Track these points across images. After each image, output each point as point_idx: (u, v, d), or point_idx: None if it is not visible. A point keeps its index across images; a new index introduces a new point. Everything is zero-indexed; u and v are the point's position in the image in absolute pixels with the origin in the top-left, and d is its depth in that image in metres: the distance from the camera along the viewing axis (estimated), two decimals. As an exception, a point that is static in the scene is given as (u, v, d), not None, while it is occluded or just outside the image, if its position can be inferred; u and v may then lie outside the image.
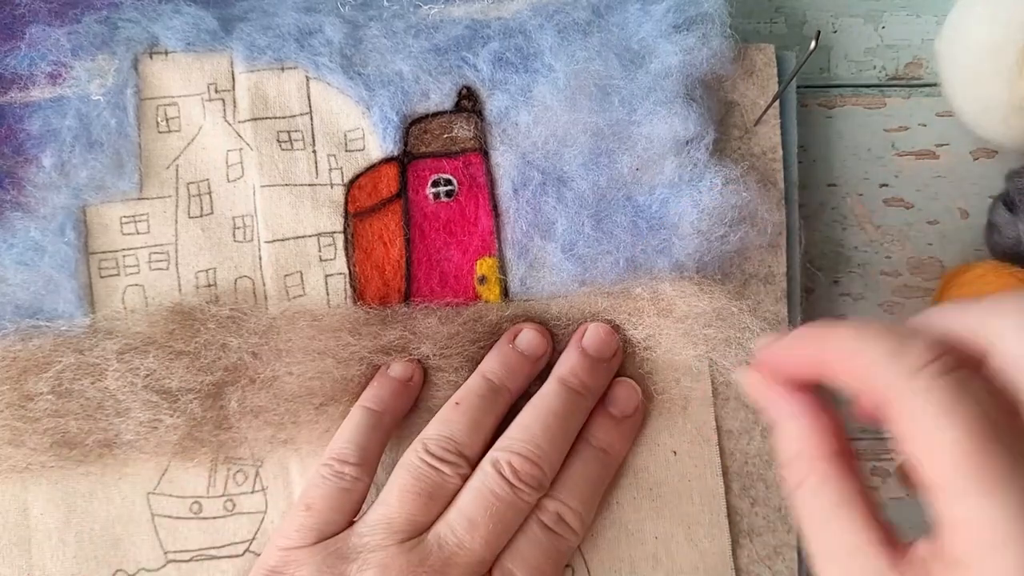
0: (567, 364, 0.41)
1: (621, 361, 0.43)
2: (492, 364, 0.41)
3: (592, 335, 0.42)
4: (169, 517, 0.42)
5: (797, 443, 0.30)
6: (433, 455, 0.38)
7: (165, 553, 0.42)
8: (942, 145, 0.48)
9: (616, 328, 0.42)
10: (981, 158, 0.48)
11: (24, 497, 0.41)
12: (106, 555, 0.41)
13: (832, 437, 0.29)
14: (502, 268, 0.43)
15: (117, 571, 0.41)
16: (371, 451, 0.40)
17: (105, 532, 0.41)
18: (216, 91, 0.43)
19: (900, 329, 0.27)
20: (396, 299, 0.43)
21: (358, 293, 0.42)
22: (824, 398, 0.30)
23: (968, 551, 0.24)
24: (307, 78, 0.43)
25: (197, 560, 0.42)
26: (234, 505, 0.42)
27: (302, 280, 0.43)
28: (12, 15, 0.42)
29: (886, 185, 0.48)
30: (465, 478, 0.38)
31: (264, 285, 0.43)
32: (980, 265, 0.44)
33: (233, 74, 0.43)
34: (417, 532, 0.37)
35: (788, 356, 0.31)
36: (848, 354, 0.28)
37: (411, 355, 0.42)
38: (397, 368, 0.41)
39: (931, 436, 0.25)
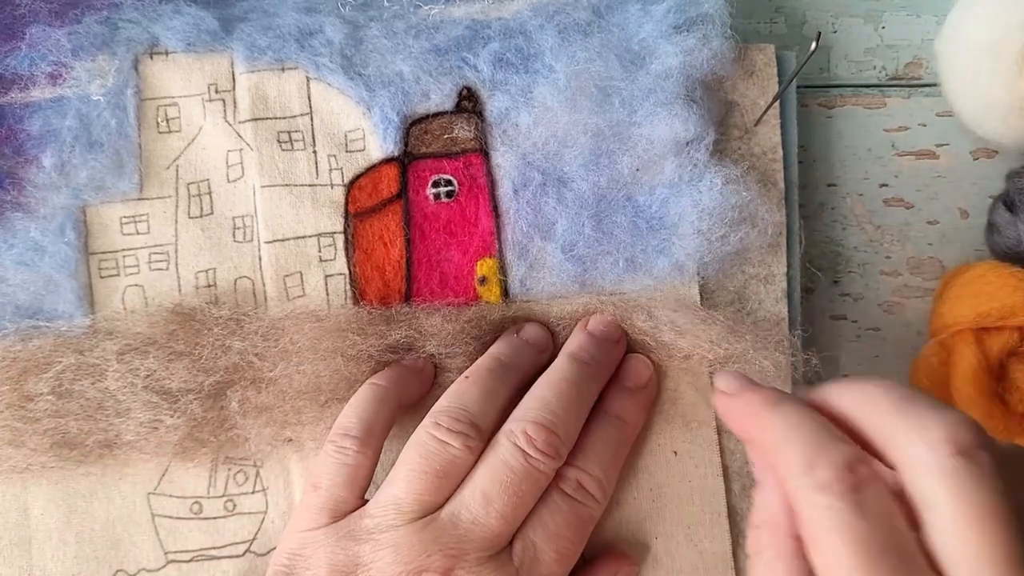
0: (574, 342, 0.41)
1: (626, 347, 0.42)
2: (499, 346, 0.41)
3: (596, 320, 0.42)
4: (169, 517, 0.42)
5: (765, 514, 0.32)
6: (442, 427, 0.37)
7: (166, 553, 0.42)
8: (942, 145, 0.48)
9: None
10: (981, 158, 0.48)
11: (24, 498, 0.41)
12: (106, 555, 0.41)
13: (792, 519, 0.30)
14: (502, 269, 0.43)
15: (118, 571, 0.41)
16: (375, 425, 0.39)
17: (105, 532, 0.41)
18: (216, 91, 0.43)
19: (824, 433, 0.29)
20: (396, 300, 0.43)
21: (358, 294, 0.42)
22: None
23: None
24: (307, 78, 0.43)
25: (198, 560, 0.42)
26: (235, 505, 0.42)
27: (302, 280, 0.43)
28: (12, 15, 0.42)
29: (886, 185, 0.48)
30: (477, 452, 0.37)
31: (264, 285, 0.43)
32: (980, 265, 0.45)
33: (233, 74, 0.43)
34: (428, 511, 0.36)
35: (732, 418, 0.34)
36: (773, 450, 0.30)
37: (419, 353, 0.41)
38: (409, 358, 0.41)
39: (823, 550, 0.28)
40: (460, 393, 0.39)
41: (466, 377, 0.39)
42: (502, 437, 0.37)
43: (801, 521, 0.29)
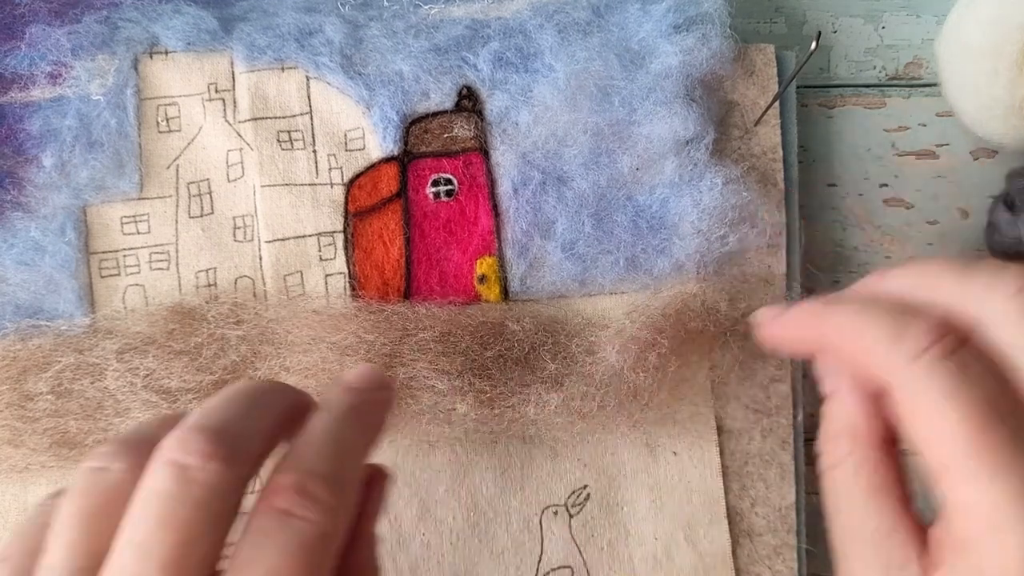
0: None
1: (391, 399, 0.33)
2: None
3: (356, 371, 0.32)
4: (169, 517, 0.42)
5: (842, 423, 0.29)
6: (103, 453, 0.27)
7: (165, 553, 0.41)
8: (942, 145, 0.48)
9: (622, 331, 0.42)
10: (981, 158, 0.48)
11: (24, 497, 0.41)
12: (106, 555, 0.41)
13: (880, 421, 0.28)
14: (502, 267, 0.43)
15: (117, 571, 0.41)
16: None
17: (105, 532, 0.41)
18: (216, 91, 0.43)
19: (900, 308, 0.27)
20: (396, 298, 0.42)
21: (358, 292, 0.42)
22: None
23: (973, 534, 0.24)
24: (307, 78, 0.43)
25: (197, 560, 0.42)
26: (234, 505, 0.42)
27: (302, 280, 0.43)
28: (12, 15, 0.42)
29: (886, 185, 0.48)
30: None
31: (264, 285, 0.43)
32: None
33: (233, 74, 0.43)
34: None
35: (789, 331, 0.31)
36: (848, 335, 0.28)
37: (416, 346, 0.41)
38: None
39: (933, 421, 0.25)
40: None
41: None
42: (153, 461, 0.26)
43: (900, 398, 0.26)
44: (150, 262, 0.43)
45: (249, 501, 0.26)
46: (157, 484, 0.25)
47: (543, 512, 0.42)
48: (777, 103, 0.44)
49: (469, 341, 0.41)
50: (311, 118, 0.43)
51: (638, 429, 0.42)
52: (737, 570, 0.42)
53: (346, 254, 0.43)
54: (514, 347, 0.41)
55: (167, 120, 0.43)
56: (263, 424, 0.28)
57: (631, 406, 0.41)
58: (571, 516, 0.42)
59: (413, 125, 0.43)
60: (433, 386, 0.41)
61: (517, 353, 0.41)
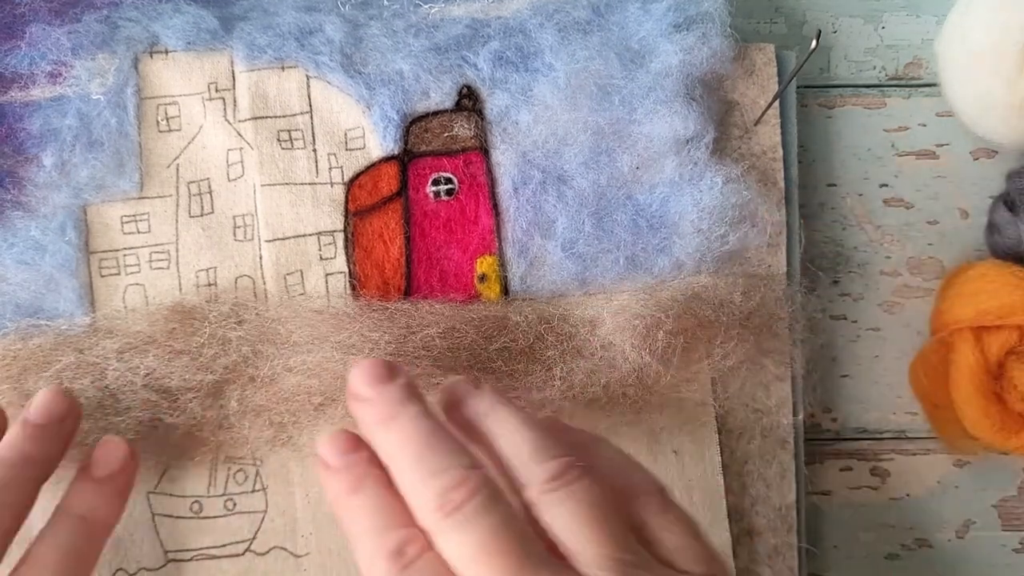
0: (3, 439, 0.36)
1: (76, 425, 0.38)
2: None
3: (39, 400, 0.37)
4: (169, 516, 0.42)
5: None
6: None
7: (165, 552, 0.42)
8: (942, 145, 0.48)
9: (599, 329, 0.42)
10: (981, 158, 0.48)
11: (24, 496, 0.41)
12: (106, 554, 0.41)
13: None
14: (502, 266, 0.43)
15: (118, 570, 0.41)
16: None
17: (105, 531, 0.41)
18: (216, 90, 0.43)
19: (379, 524, 0.32)
20: (396, 297, 0.43)
21: (358, 292, 0.42)
22: None
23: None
24: (307, 77, 0.43)
25: (197, 560, 0.42)
26: (235, 504, 0.42)
27: (302, 279, 0.43)
28: (12, 14, 0.42)
29: (886, 185, 0.48)
30: None
31: (264, 284, 0.43)
32: (980, 265, 0.45)
33: (233, 73, 0.43)
34: None
35: (328, 489, 0.34)
36: (352, 538, 0.32)
37: (420, 343, 0.41)
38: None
39: None
40: None
41: None
42: None
43: None
44: (150, 261, 0.43)
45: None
46: None
47: (543, 511, 0.42)
48: (777, 103, 0.44)
49: (474, 335, 0.41)
50: (311, 117, 0.43)
51: (641, 420, 0.42)
52: (737, 569, 0.42)
53: (346, 253, 0.43)
54: (518, 338, 0.41)
55: (167, 119, 0.43)
56: (6, 533, 0.34)
57: (636, 389, 0.41)
58: (571, 515, 0.42)
59: (413, 124, 0.43)
60: (439, 384, 0.41)
61: (522, 344, 0.41)
